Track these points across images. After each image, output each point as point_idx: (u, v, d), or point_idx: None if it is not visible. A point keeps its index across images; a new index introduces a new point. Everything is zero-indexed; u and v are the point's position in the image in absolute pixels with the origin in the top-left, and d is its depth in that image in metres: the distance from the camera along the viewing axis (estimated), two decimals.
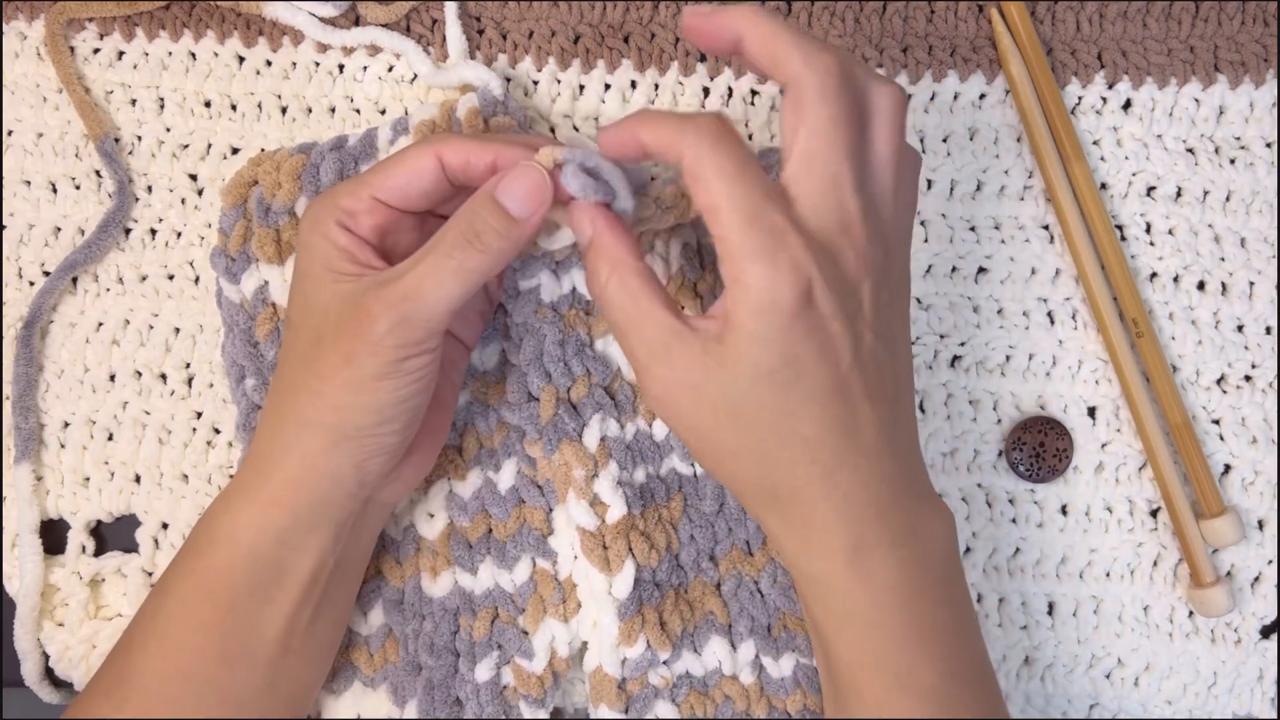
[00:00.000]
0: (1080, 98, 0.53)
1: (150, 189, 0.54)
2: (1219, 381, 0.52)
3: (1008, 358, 0.53)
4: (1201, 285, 0.53)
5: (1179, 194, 0.53)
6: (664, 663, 0.49)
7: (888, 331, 0.40)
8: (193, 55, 0.54)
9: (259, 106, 0.54)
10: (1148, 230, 0.53)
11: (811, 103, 0.38)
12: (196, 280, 0.53)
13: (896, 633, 0.40)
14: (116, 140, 0.54)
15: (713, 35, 0.40)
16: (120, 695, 0.43)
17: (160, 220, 0.54)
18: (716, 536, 0.50)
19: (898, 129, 0.40)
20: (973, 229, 0.53)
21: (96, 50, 0.54)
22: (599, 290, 0.41)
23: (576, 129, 0.53)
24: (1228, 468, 0.52)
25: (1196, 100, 0.53)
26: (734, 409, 0.39)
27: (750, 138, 0.53)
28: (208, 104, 0.54)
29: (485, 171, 0.42)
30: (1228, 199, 0.53)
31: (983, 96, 0.53)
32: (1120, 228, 0.53)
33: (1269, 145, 0.53)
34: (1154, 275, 0.53)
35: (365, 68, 0.54)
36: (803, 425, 0.38)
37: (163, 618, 0.44)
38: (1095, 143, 0.53)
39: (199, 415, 0.53)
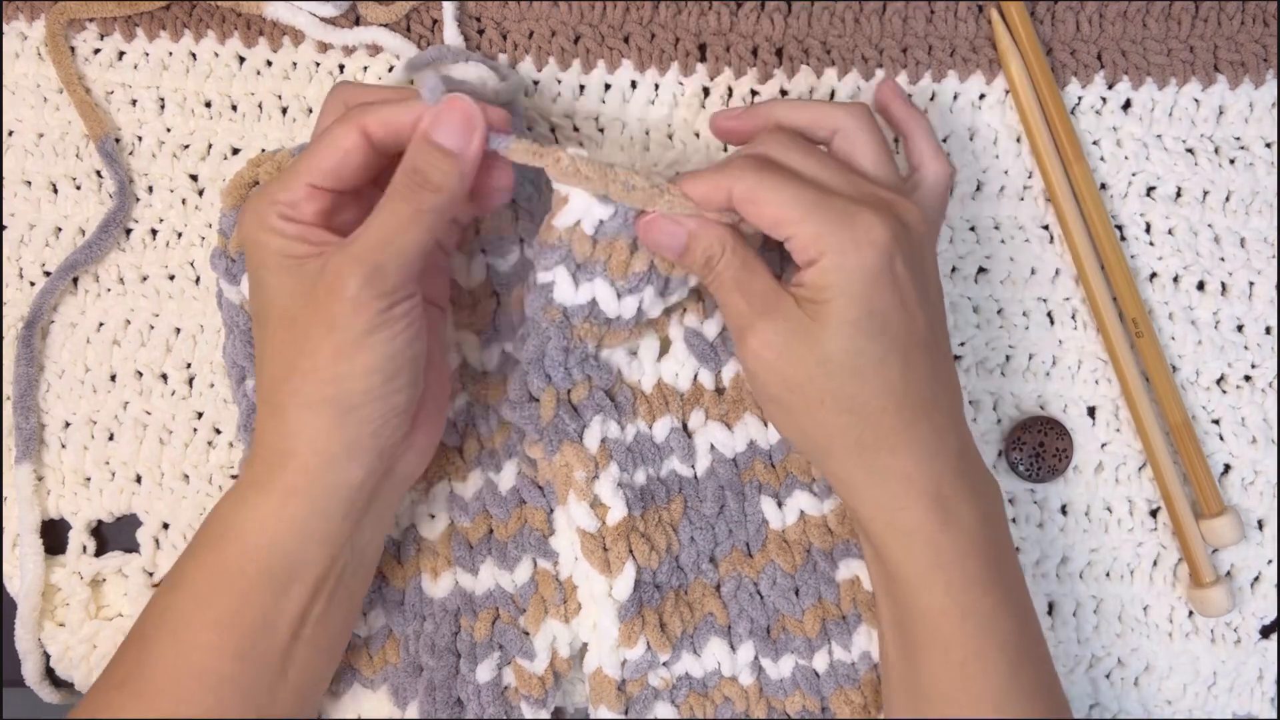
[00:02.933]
0: (1080, 98, 0.53)
1: (151, 189, 0.54)
2: (1219, 381, 0.52)
3: (1008, 358, 0.53)
4: (1201, 285, 0.53)
5: (1179, 194, 0.53)
6: (664, 664, 0.49)
7: (939, 287, 0.44)
8: (193, 55, 0.54)
9: (259, 107, 0.54)
10: (1148, 230, 0.53)
11: (839, 117, 0.45)
12: (197, 280, 0.53)
13: (980, 580, 0.43)
14: (117, 140, 0.54)
15: (747, 128, 0.47)
16: (134, 690, 0.43)
17: (161, 220, 0.54)
18: (717, 538, 0.50)
19: (877, 133, 0.46)
20: (973, 229, 0.53)
21: (97, 50, 0.54)
22: (711, 264, 0.43)
23: (577, 129, 0.53)
24: (1227, 468, 0.52)
25: (1196, 100, 0.53)
26: (825, 358, 0.41)
27: None
28: (208, 104, 0.54)
29: (413, 132, 0.43)
30: (1227, 199, 0.53)
31: (982, 97, 0.53)
32: (1120, 228, 0.53)
33: (1269, 145, 0.53)
34: (1154, 275, 0.53)
35: (366, 68, 0.54)
36: (889, 371, 0.42)
37: (175, 613, 0.43)
38: (1095, 143, 0.53)
39: (200, 415, 0.53)
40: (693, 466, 0.50)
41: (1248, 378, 0.52)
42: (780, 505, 0.49)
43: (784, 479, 0.49)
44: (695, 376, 0.50)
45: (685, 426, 0.50)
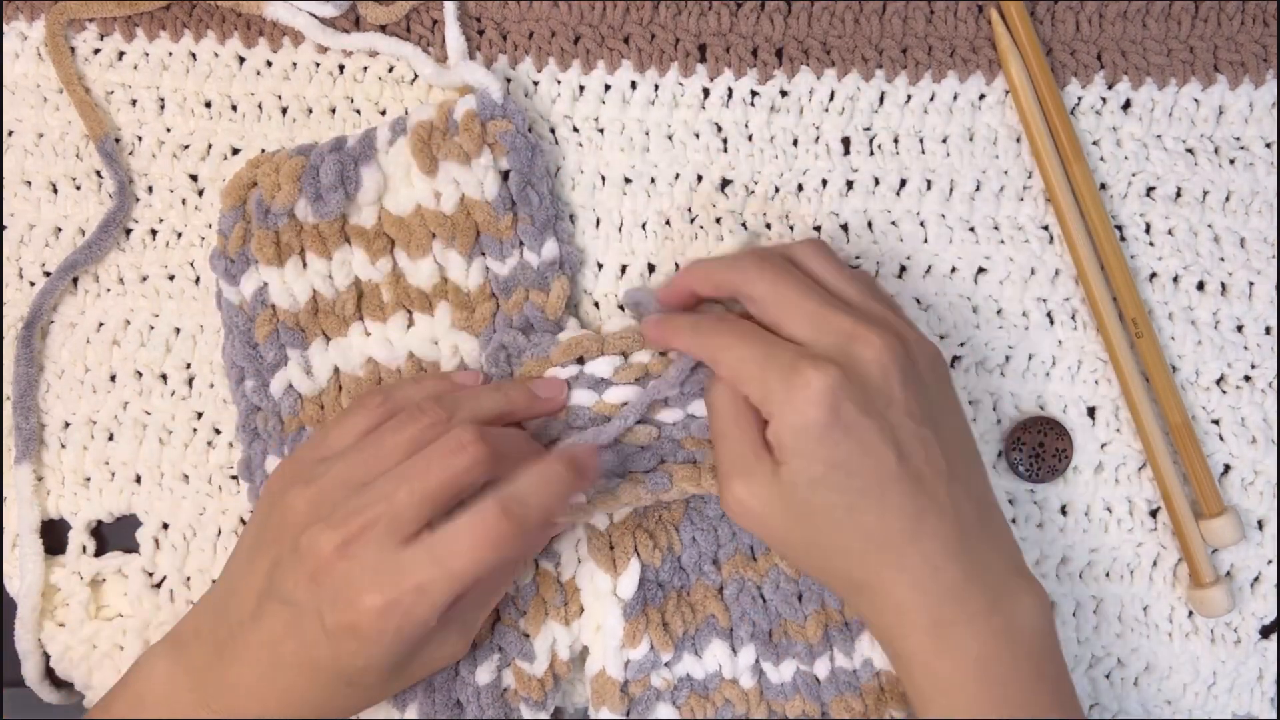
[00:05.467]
0: (1080, 98, 0.53)
1: (151, 189, 0.54)
2: (1218, 381, 0.52)
3: (1007, 358, 0.53)
4: (1201, 285, 0.53)
5: (1178, 194, 0.53)
6: (665, 664, 0.49)
7: (925, 410, 0.43)
8: (193, 55, 0.54)
9: (259, 107, 0.54)
10: (1147, 230, 0.53)
11: (751, 282, 0.45)
12: (197, 281, 0.53)
13: (982, 705, 0.42)
14: (117, 140, 0.54)
15: (683, 298, 0.48)
16: None
17: (161, 221, 0.54)
18: (719, 540, 0.50)
19: (830, 261, 0.47)
20: (972, 229, 0.53)
21: (97, 50, 0.54)
22: (711, 399, 0.46)
23: (577, 129, 0.53)
24: (1227, 468, 0.52)
25: (1196, 100, 0.53)
26: (801, 514, 0.43)
27: (750, 138, 0.53)
28: (208, 104, 0.54)
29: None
30: (1227, 199, 0.53)
31: (982, 97, 0.53)
32: (1120, 228, 0.53)
33: (1269, 145, 0.53)
34: (1154, 275, 0.53)
35: (365, 68, 0.54)
36: (865, 517, 0.42)
37: None
38: (1095, 143, 0.53)
39: (199, 415, 0.53)
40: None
41: (1247, 378, 0.52)
42: None
43: None
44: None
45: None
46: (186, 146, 0.54)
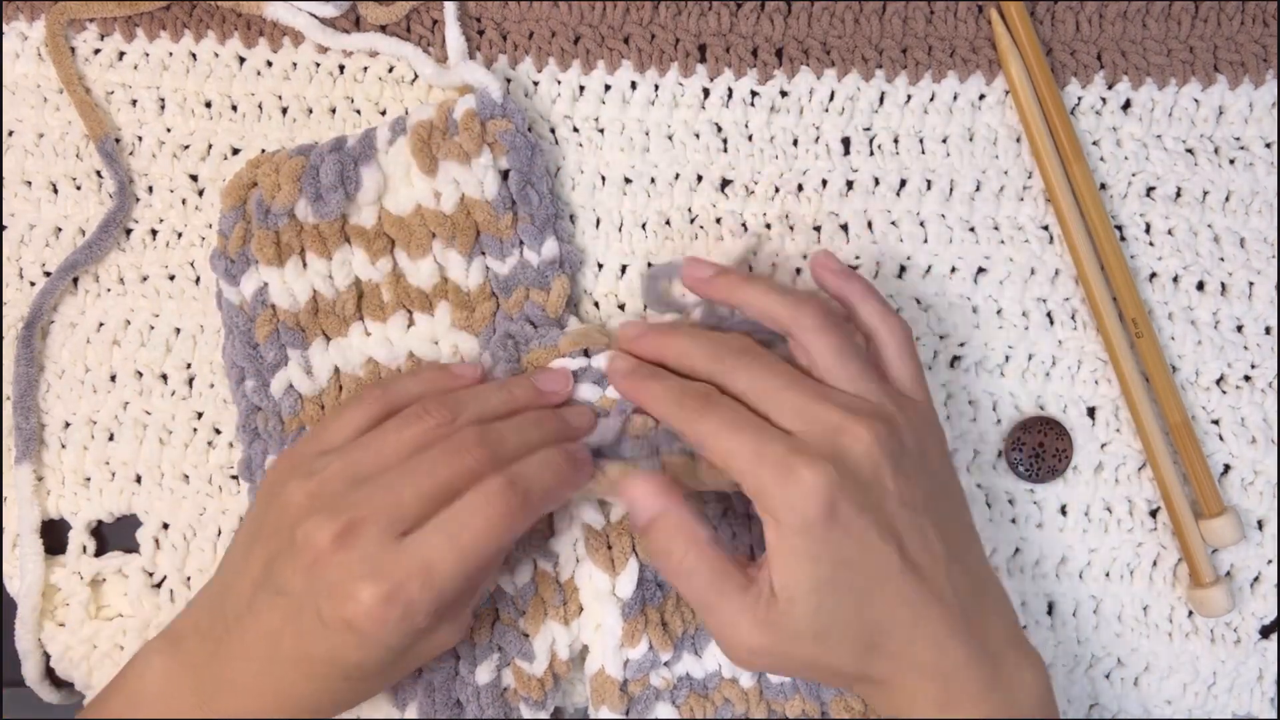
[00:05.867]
0: (1080, 98, 0.53)
1: (151, 189, 0.54)
2: (1218, 381, 0.52)
3: (1007, 358, 0.53)
4: (1201, 285, 0.53)
5: (1178, 194, 0.53)
6: (665, 664, 0.49)
7: (920, 496, 0.42)
8: (193, 56, 0.54)
9: (259, 107, 0.54)
10: (1147, 230, 0.53)
11: (732, 376, 0.44)
12: (197, 281, 0.53)
13: None
14: (117, 141, 0.54)
15: (711, 294, 0.48)
16: None
17: (161, 221, 0.54)
18: None
19: (829, 335, 0.44)
20: (972, 229, 0.53)
21: (97, 51, 0.54)
22: (675, 566, 0.43)
23: (577, 129, 0.53)
24: (1227, 468, 0.52)
25: (1196, 100, 0.53)
26: (805, 631, 0.41)
27: (750, 139, 0.53)
28: (208, 104, 0.54)
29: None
30: (1227, 199, 0.53)
31: (982, 97, 0.53)
32: (1120, 228, 0.53)
33: (1268, 145, 0.53)
34: (1153, 275, 0.53)
35: (365, 68, 0.54)
36: (869, 611, 0.42)
37: None
38: (1095, 143, 0.53)
39: (200, 415, 0.53)
40: None
41: (1247, 378, 0.52)
42: None
43: None
44: None
45: None
46: (186, 146, 0.54)
